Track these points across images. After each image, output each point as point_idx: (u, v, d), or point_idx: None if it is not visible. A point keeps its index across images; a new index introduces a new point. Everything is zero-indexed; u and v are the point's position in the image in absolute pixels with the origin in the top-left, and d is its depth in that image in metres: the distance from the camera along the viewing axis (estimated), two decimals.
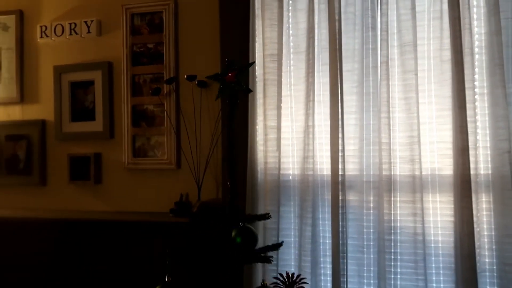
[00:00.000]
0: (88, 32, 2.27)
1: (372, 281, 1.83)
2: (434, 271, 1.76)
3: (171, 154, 2.11)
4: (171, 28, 2.14)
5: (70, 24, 2.30)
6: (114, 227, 2.10)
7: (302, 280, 1.24)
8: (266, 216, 1.09)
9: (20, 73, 2.40)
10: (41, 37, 2.35)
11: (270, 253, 1.90)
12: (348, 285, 1.83)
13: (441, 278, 1.76)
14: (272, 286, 1.22)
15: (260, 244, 1.94)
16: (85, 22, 2.27)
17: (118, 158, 2.20)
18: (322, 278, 1.89)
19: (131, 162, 2.17)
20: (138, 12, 2.19)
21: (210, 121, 2.06)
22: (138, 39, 2.19)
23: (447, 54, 1.75)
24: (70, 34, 2.29)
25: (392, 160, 1.79)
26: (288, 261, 1.94)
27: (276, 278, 1.22)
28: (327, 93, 1.87)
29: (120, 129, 2.20)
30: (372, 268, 1.82)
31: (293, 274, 1.21)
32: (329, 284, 1.86)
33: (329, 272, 1.87)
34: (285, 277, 1.22)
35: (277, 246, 1.17)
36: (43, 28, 2.35)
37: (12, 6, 2.43)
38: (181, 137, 2.11)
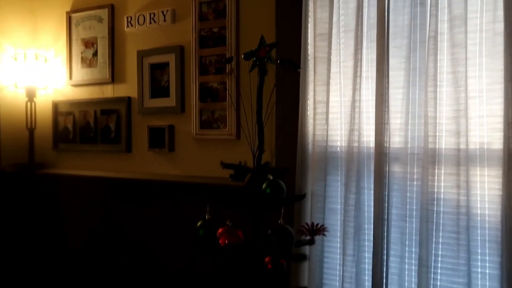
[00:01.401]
0: (164, 20, 2.42)
1: (413, 249, 1.77)
2: (479, 244, 1.65)
3: (231, 126, 2.20)
4: (232, 14, 2.20)
5: (150, 14, 2.46)
6: (182, 188, 2.27)
7: (324, 230, 1.30)
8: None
9: (111, 57, 2.64)
10: (127, 26, 2.55)
11: (317, 216, 1.95)
12: (390, 251, 1.80)
13: (486, 251, 1.64)
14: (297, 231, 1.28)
15: (307, 210, 1.99)
16: (162, 11, 2.42)
17: (187, 129, 2.35)
18: (366, 243, 1.87)
19: (198, 133, 2.31)
20: (205, 0, 2.29)
21: (265, 97, 2.11)
22: (205, 24, 2.29)
23: (500, 26, 1.60)
24: (150, 23, 2.46)
25: (437, 134, 1.70)
26: (334, 226, 1.95)
27: (302, 226, 1.28)
28: (374, 69, 1.82)
29: (190, 104, 2.34)
30: (414, 237, 1.76)
31: (317, 224, 1.28)
32: (371, 248, 1.85)
33: (371, 238, 1.86)
34: (309, 226, 1.29)
35: (299, 197, 1.22)
36: (129, 19, 2.54)
37: (105, 1, 2.68)
38: (240, 111, 2.19)
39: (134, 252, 2.47)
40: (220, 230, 1.08)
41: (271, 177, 1.19)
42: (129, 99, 2.56)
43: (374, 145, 1.81)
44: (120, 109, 2.59)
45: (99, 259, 2.62)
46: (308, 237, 1.30)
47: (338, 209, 1.94)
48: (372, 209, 1.85)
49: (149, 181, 2.34)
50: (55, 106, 2.85)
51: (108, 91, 2.66)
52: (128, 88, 2.58)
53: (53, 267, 2.81)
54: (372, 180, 1.85)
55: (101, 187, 2.57)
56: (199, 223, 1.18)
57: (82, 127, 2.75)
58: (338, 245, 1.93)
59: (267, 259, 1.24)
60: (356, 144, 1.85)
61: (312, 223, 1.26)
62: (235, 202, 1.25)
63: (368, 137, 1.86)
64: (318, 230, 1.27)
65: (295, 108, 2.01)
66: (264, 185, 1.19)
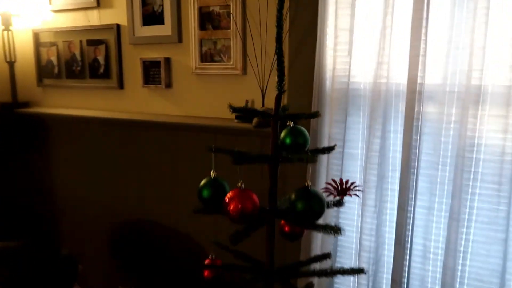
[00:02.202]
0: None
1: (444, 200, 1.57)
2: None
3: (236, 59, 1.91)
4: None
5: None
6: (181, 129, 2.04)
7: (356, 188, 1.05)
8: (315, 115, 0.90)
9: None
10: None
11: (334, 162, 1.74)
12: (417, 202, 1.60)
13: None
14: (322, 190, 1.05)
15: (322, 155, 1.77)
16: None
17: (186, 62, 2.06)
18: (389, 193, 1.67)
19: (198, 67, 2.02)
20: None
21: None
22: None
23: None
24: None
25: (484, 67, 1.42)
26: (353, 173, 1.74)
27: (328, 183, 1.04)
28: None
29: (188, 33, 2.02)
30: (446, 187, 1.55)
31: (347, 181, 1.02)
32: (395, 199, 1.65)
33: (396, 187, 1.65)
34: (337, 183, 1.04)
35: (328, 149, 0.98)
36: None
37: None
38: (247, 40, 1.88)
39: (130, 199, 2.30)
40: (230, 194, 0.86)
41: (291, 124, 0.96)
42: (118, 27, 2.23)
43: (406, 82, 1.53)
44: (109, 39, 2.27)
45: (90, 205, 2.47)
46: (334, 198, 1.07)
47: (358, 155, 1.72)
48: (399, 155, 1.63)
49: (144, 122, 2.09)
50: (36, 36, 2.53)
51: (94, 18, 2.32)
52: (116, 14, 2.24)
53: (41, 210, 2.68)
54: (400, 123, 1.60)
55: (94, 127, 2.34)
56: (202, 182, 0.96)
57: (67, 60, 2.45)
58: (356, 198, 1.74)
59: (282, 222, 1.04)
60: (384, 80, 1.58)
61: (341, 180, 1.03)
62: (243, 153, 1.02)
63: (399, 72, 1.58)
64: (348, 188, 1.04)
65: (312, 36, 1.70)
66: (283, 134, 0.96)
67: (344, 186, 1.01)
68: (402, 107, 1.59)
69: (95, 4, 2.28)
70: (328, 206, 0.99)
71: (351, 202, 1.76)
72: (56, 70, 2.50)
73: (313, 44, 1.69)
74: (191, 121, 1.98)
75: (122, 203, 2.34)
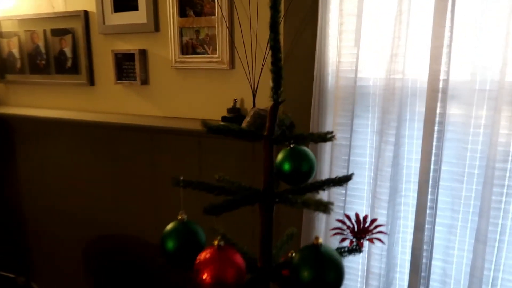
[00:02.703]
0: None
1: (470, 217, 1.33)
2: None
3: (222, 51, 1.64)
4: None
5: None
6: (160, 132, 1.77)
7: (378, 228, 0.77)
8: (327, 137, 0.62)
9: None
10: None
11: (338, 171, 1.48)
12: (437, 220, 1.36)
13: None
14: (332, 232, 0.78)
15: (324, 163, 1.51)
16: None
17: (164, 55, 1.78)
18: (403, 208, 1.43)
19: (178, 61, 1.74)
20: None
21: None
22: None
23: None
24: None
25: None
26: (360, 185, 1.49)
27: (340, 220, 0.77)
28: None
29: (166, 20, 1.74)
30: (472, 202, 1.31)
31: (365, 217, 0.75)
32: (411, 215, 1.41)
33: (412, 201, 1.41)
34: (353, 221, 0.75)
35: (345, 179, 0.70)
36: None
37: None
38: (234, 29, 1.61)
39: (105, 210, 2.03)
40: (202, 256, 0.58)
41: (292, 145, 0.69)
42: (86, 14, 1.94)
43: (426, 78, 1.28)
44: (76, 28, 1.98)
45: (60, 216, 2.19)
46: (349, 240, 0.77)
47: (366, 164, 1.47)
48: (415, 165, 1.38)
49: (117, 125, 1.81)
50: None
51: (59, 3, 2.02)
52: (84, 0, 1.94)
53: (4, 223, 2.40)
54: (418, 126, 1.35)
55: (62, 130, 2.06)
56: (168, 228, 0.68)
57: (30, 53, 2.15)
58: (364, 212, 1.49)
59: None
60: (398, 76, 1.32)
61: (358, 217, 0.75)
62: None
63: (418, 66, 1.32)
64: (367, 229, 0.76)
65: (312, 23, 1.43)
66: (279, 157, 0.70)
67: (362, 226, 0.75)
68: (420, 108, 1.34)
69: None
70: (341, 253, 0.72)
71: None
72: (18, 64, 2.20)
73: (313, 32, 1.43)
74: (171, 123, 1.71)
75: (96, 214, 2.07)
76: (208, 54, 1.67)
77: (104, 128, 1.89)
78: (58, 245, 2.27)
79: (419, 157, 1.35)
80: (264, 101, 1.58)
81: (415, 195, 1.37)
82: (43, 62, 2.11)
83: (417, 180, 1.36)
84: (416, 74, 1.33)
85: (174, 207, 1.81)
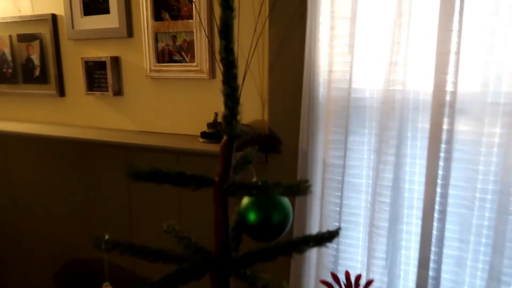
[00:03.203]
0: None
1: (482, 248, 1.16)
2: None
3: (202, 58, 1.47)
4: None
5: None
6: (134, 149, 1.60)
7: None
8: (302, 188, 0.44)
9: None
10: None
11: (330, 194, 1.31)
12: (444, 251, 1.19)
13: None
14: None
15: (315, 186, 1.34)
16: None
17: (138, 63, 1.61)
18: (405, 236, 1.26)
19: (153, 69, 1.56)
20: None
21: (255, 11, 1.36)
22: None
23: None
24: None
25: None
26: (356, 209, 1.32)
27: (326, 283, 0.60)
28: None
29: (139, 24, 1.57)
30: (484, 232, 1.14)
31: (358, 276, 0.59)
32: (416, 245, 1.24)
33: (415, 229, 1.24)
34: (342, 281, 0.59)
35: (330, 236, 0.53)
36: None
37: None
38: (214, 34, 1.44)
39: (76, 233, 1.85)
40: None
41: (258, 181, 0.52)
42: (54, 17, 1.76)
43: (431, 89, 1.11)
44: (44, 33, 1.80)
45: (29, 239, 2.01)
46: None
47: (363, 186, 1.30)
48: (418, 189, 1.21)
49: (88, 141, 1.63)
50: None
51: (26, 7, 1.84)
52: (51, 1, 1.77)
53: None
54: (421, 145, 1.18)
55: (32, 145, 1.88)
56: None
57: None
58: (361, 240, 1.32)
59: None
60: (399, 87, 1.15)
61: (348, 275, 0.59)
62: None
63: (421, 76, 1.15)
64: None
65: (300, 27, 1.27)
66: (244, 203, 0.53)
67: (352, 285, 0.58)
68: (423, 124, 1.17)
69: None
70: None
71: (353, 247, 1.34)
72: None
73: (302, 37, 1.26)
74: (146, 139, 1.53)
75: (67, 235, 1.89)
76: (186, 62, 1.50)
77: (75, 143, 1.72)
78: (28, 266, 2.08)
79: (423, 179, 1.18)
80: (249, 114, 1.41)
81: (419, 222, 1.20)
82: (10, 70, 1.93)
83: (421, 206, 1.19)
84: (419, 85, 1.16)
85: (151, 231, 1.64)
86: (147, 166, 0.49)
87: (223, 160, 0.49)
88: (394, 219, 1.23)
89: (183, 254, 0.55)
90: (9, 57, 1.92)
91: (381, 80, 1.18)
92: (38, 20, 1.79)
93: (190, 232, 0.65)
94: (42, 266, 2.02)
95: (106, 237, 0.52)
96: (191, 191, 0.53)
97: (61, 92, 1.82)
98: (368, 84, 1.23)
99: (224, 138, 0.48)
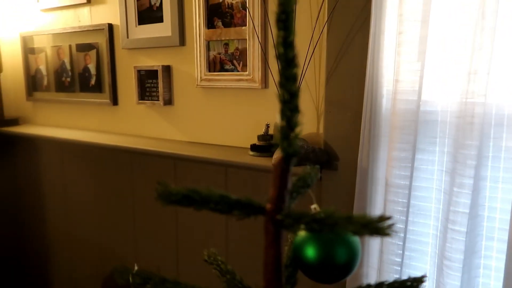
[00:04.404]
0: None
1: None
2: None
3: (254, 67, 1.39)
4: None
5: None
6: (183, 160, 1.56)
7: None
8: (380, 228, 0.35)
9: None
10: None
11: (393, 217, 1.18)
12: None
13: None
14: None
15: (375, 208, 1.20)
16: None
17: (189, 72, 1.56)
18: (482, 272, 1.09)
19: (204, 78, 1.51)
20: None
21: (312, 17, 1.26)
22: None
23: None
24: None
25: None
26: (423, 237, 1.16)
27: None
28: None
29: (192, 32, 1.53)
30: None
31: None
32: (497, 283, 1.06)
33: (496, 264, 1.06)
34: None
35: (416, 283, 0.43)
36: None
37: None
38: (268, 42, 1.36)
39: (125, 241, 1.84)
40: None
41: (321, 212, 0.43)
42: (110, 27, 1.78)
43: None
44: (100, 42, 1.83)
45: (80, 244, 2.03)
46: None
47: (431, 211, 1.14)
48: (501, 217, 1.04)
49: (137, 150, 1.60)
50: (24, 40, 2.14)
51: (85, 17, 1.88)
52: (108, 11, 1.79)
53: (24, 247, 2.28)
54: (505, 166, 1.01)
55: (85, 152, 1.91)
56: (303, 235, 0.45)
57: (56, 69, 2.03)
58: (428, 272, 1.16)
59: None
60: (480, 100, 0.99)
61: None
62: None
63: (506, 87, 0.99)
64: None
65: (362, 31, 1.15)
66: (300, 235, 0.43)
67: None
68: (508, 142, 1.00)
69: (85, 0, 1.84)
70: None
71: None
72: (45, 81, 2.10)
73: (364, 44, 1.14)
74: (195, 151, 1.47)
75: (114, 245, 1.89)
76: (238, 71, 1.44)
77: (127, 152, 1.71)
78: (76, 275, 2.11)
79: (508, 207, 1.01)
80: (305, 128, 1.30)
81: (502, 257, 1.03)
82: (68, 79, 1.98)
83: (504, 238, 1.01)
84: (504, 97, 1.00)
85: (196, 241, 1.58)
86: (183, 188, 0.40)
87: (277, 183, 0.39)
88: (470, 251, 1.06)
89: None
90: (68, 66, 1.97)
91: (458, 92, 1.03)
92: (95, 30, 1.82)
93: (236, 264, 0.56)
94: (89, 272, 2.03)
95: (136, 268, 0.45)
96: (236, 220, 0.44)
97: (115, 100, 1.83)
98: (441, 96, 1.08)
99: (279, 155, 0.38)
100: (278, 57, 0.34)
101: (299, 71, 0.35)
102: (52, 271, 2.24)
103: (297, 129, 0.36)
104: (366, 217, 0.35)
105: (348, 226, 0.35)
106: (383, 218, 0.34)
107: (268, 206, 0.41)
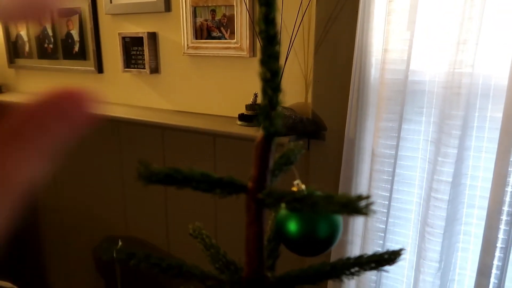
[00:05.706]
0: None
1: None
2: None
3: (242, 34, 1.36)
4: None
5: None
6: (171, 130, 1.55)
7: None
8: (360, 207, 0.36)
9: None
10: None
11: (381, 187, 1.19)
12: (510, 261, 1.05)
13: None
14: None
15: (362, 178, 1.22)
16: None
17: (176, 39, 1.52)
18: (462, 237, 1.13)
19: (191, 46, 1.48)
20: None
21: None
22: None
23: None
24: None
25: None
26: (407, 204, 1.19)
27: None
28: None
29: None
30: None
31: None
32: (476, 248, 1.10)
33: (476, 230, 1.10)
34: None
35: (393, 256, 0.44)
36: None
37: None
38: (256, 9, 1.32)
39: (112, 211, 1.85)
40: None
41: (302, 186, 0.44)
42: None
43: (506, 74, 0.95)
44: (82, 7, 1.76)
45: (69, 214, 2.04)
46: None
47: (416, 179, 1.17)
48: (482, 185, 1.06)
49: (124, 119, 1.58)
50: None
51: None
52: None
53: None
54: (489, 137, 1.03)
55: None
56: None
57: (38, 35, 1.96)
58: (411, 239, 1.20)
59: None
60: (467, 70, 0.99)
61: None
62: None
63: (494, 58, 0.99)
64: None
65: (352, 1, 1.13)
66: (282, 213, 0.45)
67: None
68: (494, 112, 1.01)
69: None
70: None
71: (401, 246, 1.22)
72: (26, 48, 2.03)
73: (354, 12, 1.12)
74: (182, 121, 1.46)
75: (102, 213, 1.90)
76: (225, 39, 1.40)
77: (113, 121, 1.69)
78: (68, 243, 2.13)
79: (489, 176, 1.03)
80: (291, 97, 1.30)
81: (481, 223, 1.06)
82: (51, 46, 1.92)
83: (484, 205, 1.04)
84: (491, 68, 1.00)
85: (186, 210, 1.60)
86: (164, 167, 0.40)
87: (258, 162, 0.39)
88: (452, 218, 1.09)
89: (208, 271, 0.46)
90: (50, 32, 1.90)
91: (446, 61, 1.03)
92: None
93: (225, 234, 0.57)
94: (80, 242, 2.05)
95: (119, 244, 0.45)
96: (219, 198, 0.44)
97: (100, 68, 1.78)
98: (429, 65, 1.08)
99: (260, 134, 0.37)
100: (259, 33, 0.32)
101: (280, 50, 0.34)
102: (43, 243, 2.26)
103: (279, 108, 0.36)
104: (346, 197, 0.35)
105: (329, 206, 0.35)
106: (362, 198, 0.34)
107: (250, 184, 0.41)
